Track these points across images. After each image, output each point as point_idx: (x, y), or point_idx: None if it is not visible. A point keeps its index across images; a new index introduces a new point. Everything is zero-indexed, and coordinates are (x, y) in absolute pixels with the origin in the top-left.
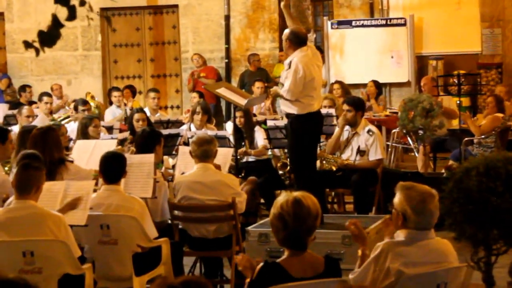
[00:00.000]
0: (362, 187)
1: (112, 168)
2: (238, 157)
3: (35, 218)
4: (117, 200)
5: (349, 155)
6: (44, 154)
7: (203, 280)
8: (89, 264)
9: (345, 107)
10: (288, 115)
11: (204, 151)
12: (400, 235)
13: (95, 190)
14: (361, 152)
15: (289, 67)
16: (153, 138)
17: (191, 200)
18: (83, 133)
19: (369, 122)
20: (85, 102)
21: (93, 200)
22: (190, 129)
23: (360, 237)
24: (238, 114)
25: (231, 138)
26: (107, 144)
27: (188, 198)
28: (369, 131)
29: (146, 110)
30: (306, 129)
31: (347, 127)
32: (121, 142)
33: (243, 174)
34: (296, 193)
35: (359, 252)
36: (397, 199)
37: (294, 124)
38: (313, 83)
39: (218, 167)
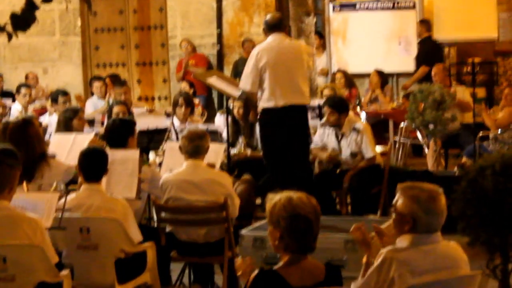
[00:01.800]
0: (360, 187)
1: (92, 166)
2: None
3: (9, 221)
4: (98, 201)
5: (345, 158)
6: (25, 150)
7: None
8: (67, 271)
9: (327, 109)
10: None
11: (195, 147)
12: (403, 241)
13: (74, 190)
14: (352, 155)
15: None
16: (125, 129)
17: (179, 201)
18: (66, 127)
19: (354, 118)
20: (65, 93)
21: (72, 201)
22: (173, 124)
23: (364, 243)
24: (237, 104)
25: (224, 133)
26: (87, 138)
27: (176, 198)
28: (354, 129)
29: None
30: (271, 124)
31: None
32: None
33: (236, 173)
34: (295, 193)
35: (364, 259)
36: (400, 202)
37: (261, 120)
38: (268, 74)
39: (212, 166)
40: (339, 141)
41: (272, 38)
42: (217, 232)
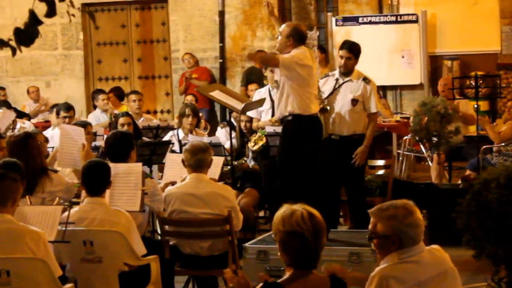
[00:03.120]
0: (361, 199)
1: (95, 179)
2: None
3: (11, 234)
4: (101, 214)
5: (341, 105)
6: (25, 163)
7: None
8: (71, 285)
9: (345, 53)
10: (283, 119)
11: (198, 161)
12: (390, 260)
13: (77, 203)
14: (353, 102)
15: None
16: (127, 142)
17: (183, 214)
18: None
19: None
20: (68, 108)
21: (75, 214)
22: (178, 135)
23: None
24: (243, 118)
25: (227, 145)
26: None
27: (180, 211)
28: (365, 79)
29: None
30: (303, 132)
31: (336, 75)
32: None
33: (238, 185)
34: (300, 206)
35: None
36: (380, 225)
37: (292, 126)
38: (311, 80)
39: (213, 180)
40: (335, 88)
41: (304, 49)
42: (220, 245)
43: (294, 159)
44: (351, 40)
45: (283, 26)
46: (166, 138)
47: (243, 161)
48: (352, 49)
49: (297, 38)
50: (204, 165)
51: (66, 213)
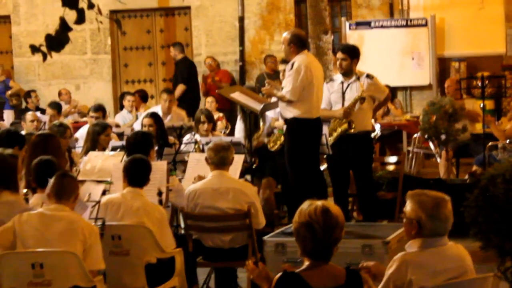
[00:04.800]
0: (369, 193)
1: (137, 173)
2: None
3: (72, 226)
4: (139, 203)
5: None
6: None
7: None
8: (100, 277)
9: (340, 55)
10: (286, 120)
11: (221, 158)
12: (413, 246)
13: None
14: (361, 100)
15: (291, 68)
16: (146, 142)
17: (206, 208)
18: (93, 140)
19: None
20: (97, 109)
21: (116, 199)
22: (195, 140)
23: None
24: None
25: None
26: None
27: (203, 206)
28: (368, 75)
29: (159, 110)
30: (304, 134)
31: (340, 79)
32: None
33: (256, 164)
34: (322, 202)
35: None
36: (409, 207)
37: (293, 128)
38: (312, 88)
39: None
40: (343, 93)
41: (307, 55)
42: (241, 239)
43: (303, 160)
44: (349, 43)
45: (284, 34)
46: (184, 140)
47: (259, 135)
48: (346, 50)
49: (298, 43)
50: (226, 163)
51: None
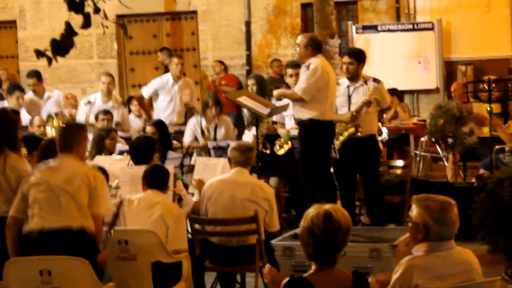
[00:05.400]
0: (376, 197)
1: (158, 177)
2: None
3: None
4: (160, 199)
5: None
6: None
7: None
8: (113, 284)
9: (346, 59)
10: (301, 122)
11: (246, 158)
12: (420, 250)
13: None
14: (368, 104)
15: (307, 69)
16: (149, 146)
17: (222, 194)
18: (99, 145)
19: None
20: (106, 112)
21: (142, 198)
22: (200, 123)
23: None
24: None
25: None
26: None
27: (219, 192)
28: (374, 79)
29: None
30: (319, 136)
31: (346, 83)
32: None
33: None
34: (328, 206)
35: None
36: (415, 212)
37: (308, 130)
38: (327, 90)
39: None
40: (349, 96)
41: (322, 59)
42: (249, 238)
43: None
44: (356, 47)
45: (300, 37)
46: (189, 125)
47: (267, 123)
48: (352, 54)
49: (315, 47)
50: (250, 162)
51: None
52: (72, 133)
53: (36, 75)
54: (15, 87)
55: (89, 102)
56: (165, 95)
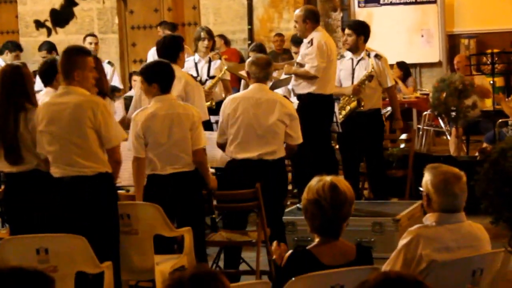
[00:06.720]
0: (379, 171)
1: (167, 78)
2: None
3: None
4: (176, 108)
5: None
6: None
7: (213, 272)
8: (109, 263)
9: (346, 31)
10: (300, 96)
11: (266, 73)
12: (429, 219)
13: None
14: (369, 78)
15: (311, 44)
16: (176, 45)
17: (245, 111)
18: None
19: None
20: (116, 89)
21: (158, 107)
22: (194, 59)
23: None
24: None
25: None
26: None
27: (240, 108)
28: (376, 55)
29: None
30: (318, 110)
31: (349, 55)
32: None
33: None
34: (331, 178)
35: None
36: (424, 179)
37: (307, 104)
38: (330, 64)
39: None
40: (353, 69)
41: (323, 31)
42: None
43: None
44: (359, 19)
45: (297, 12)
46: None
47: None
48: (351, 26)
49: (313, 19)
50: (268, 78)
51: None
52: (72, 58)
53: (47, 47)
54: (13, 45)
55: None
56: None
